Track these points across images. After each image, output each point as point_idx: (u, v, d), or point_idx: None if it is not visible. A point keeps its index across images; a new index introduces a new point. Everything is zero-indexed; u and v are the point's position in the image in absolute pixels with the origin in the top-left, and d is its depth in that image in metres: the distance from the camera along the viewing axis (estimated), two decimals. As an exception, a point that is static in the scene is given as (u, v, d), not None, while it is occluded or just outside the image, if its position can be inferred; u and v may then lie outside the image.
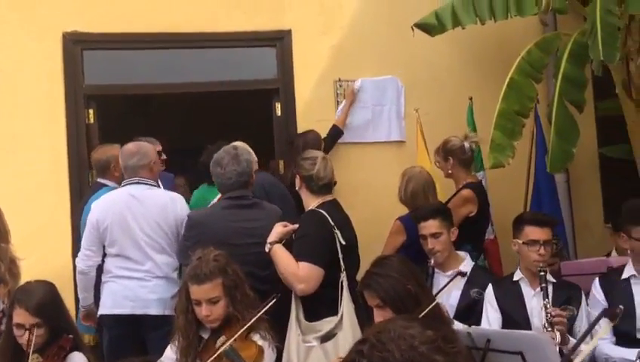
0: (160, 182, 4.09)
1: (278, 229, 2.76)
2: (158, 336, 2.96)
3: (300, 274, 2.62)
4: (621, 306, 2.21)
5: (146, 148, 3.35)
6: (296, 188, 2.91)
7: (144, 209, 3.21)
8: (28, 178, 4.17)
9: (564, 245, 3.90)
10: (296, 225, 2.79)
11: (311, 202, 2.83)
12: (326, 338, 2.59)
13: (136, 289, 3.15)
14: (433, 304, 2.20)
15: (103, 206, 3.28)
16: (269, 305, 2.39)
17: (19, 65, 4.26)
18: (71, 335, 2.45)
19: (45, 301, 2.41)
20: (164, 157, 4.12)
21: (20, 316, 2.39)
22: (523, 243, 2.78)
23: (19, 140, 4.22)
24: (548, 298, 2.58)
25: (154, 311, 3.13)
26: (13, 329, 2.41)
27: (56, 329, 2.43)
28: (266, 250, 2.72)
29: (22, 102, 4.26)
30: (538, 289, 2.73)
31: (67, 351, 2.42)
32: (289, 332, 2.63)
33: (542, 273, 2.64)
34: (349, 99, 4.51)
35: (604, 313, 2.23)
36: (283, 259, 2.67)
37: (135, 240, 3.18)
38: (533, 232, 2.76)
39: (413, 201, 3.52)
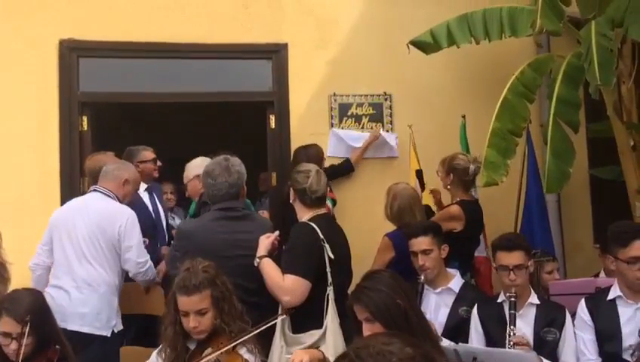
0: (153, 192, 4.10)
1: (264, 242, 2.77)
2: (82, 357, 2.76)
3: (285, 286, 2.63)
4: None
5: (124, 169, 3.44)
6: (290, 201, 2.92)
7: (89, 217, 3.23)
8: (19, 183, 4.16)
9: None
10: (277, 232, 2.83)
11: (304, 215, 2.84)
12: None
13: (60, 299, 3.10)
14: None
15: (60, 210, 3.37)
16: (263, 327, 2.37)
17: (14, 71, 4.26)
18: (58, 346, 2.42)
19: (33, 309, 2.38)
20: (159, 164, 4.13)
21: (7, 324, 2.35)
22: (495, 268, 2.83)
23: (11, 145, 4.21)
24: (514, 325, 2.60)
25: (71, 325, 3.03)
26: None
27: (43, 338, 2.40)
28: (255, 264, 2.72)
29: (16, 107, 4.25)
30: (521, 311, 2.74)
31: None
32: (274, 342, 2.62)
33: (512, 299, 2.66)
34: (370, 140, 4.51)
35: None
36: (270, 272, 2.68)
37: (74, 247, 3.17)
38: (502, 258, 2.79)
39: (400, 218, 3.53)
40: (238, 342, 2.28)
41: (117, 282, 3.25)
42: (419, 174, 4.31)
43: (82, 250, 3.17)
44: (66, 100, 4.32)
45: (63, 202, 4.17)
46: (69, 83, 4.34)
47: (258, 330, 2.36)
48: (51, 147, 4.27)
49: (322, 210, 2.87)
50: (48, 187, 4.22)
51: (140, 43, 4.42)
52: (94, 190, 3.35)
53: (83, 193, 4.05)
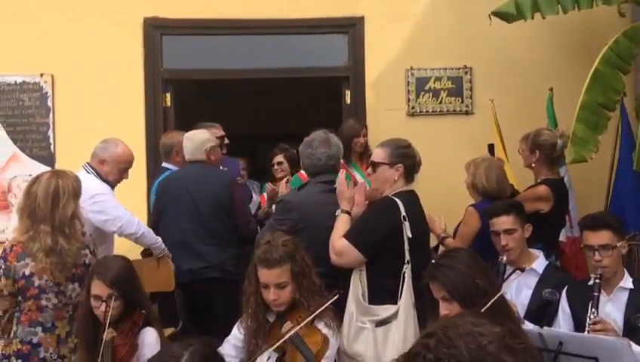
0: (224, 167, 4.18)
1: (346, 194, 2.77)
2: None
3: (336, 246, 2.67)
4: None
5: (105, 149, 3.48)
6: (395, 179, 2.78)
7: None
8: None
9: None
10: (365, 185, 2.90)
11: (395, 188, 2.76)
12: (381, 323, 2.59)
13: None
14: (498, 295, 2.11)
15: None
16: (335, 297, 2.39)
17: (101, 49, 4.46)
18: (144, 311, 2.55)
19: (121, 274, 2.51)
20: (226, 142, 4.21)
21: (98, 287, 2.49)
22: (581, 248, 2.70)
23: (98, 122, 4.40)
24: (596, 308, 2.46)
25: None
26: (90, 301, 2.52)
27: (131, 303, 2.53)
28: (336, 213, 2.76)
29: (104, 85, 4.45)
30: (611, 295, 2.61)
31: (140, 327, 2.52)
32: (347, 308, 2.63)
33: (596, 280, 2.52)
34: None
35: None
36: (336, 228, 2.73)
37: None
38: (587, 237, 2.64)
39: (499, 188, 3.37)
40: (316, 313, 2.30)
41: None
42: (491, 149, 4.14)
43: None
44: (151, 77, 4.49)
45: (149, 176, 4.38)
46: (153, 60, 4.50)
47: (333, 299, 2.37)
48: (137, 123, 4.46)
49: (409, 187, 2.81)
50: (135, 162, 4.41)
51: (219, 20, 4.50)
52: (83, 166, 3.45)
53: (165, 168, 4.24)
